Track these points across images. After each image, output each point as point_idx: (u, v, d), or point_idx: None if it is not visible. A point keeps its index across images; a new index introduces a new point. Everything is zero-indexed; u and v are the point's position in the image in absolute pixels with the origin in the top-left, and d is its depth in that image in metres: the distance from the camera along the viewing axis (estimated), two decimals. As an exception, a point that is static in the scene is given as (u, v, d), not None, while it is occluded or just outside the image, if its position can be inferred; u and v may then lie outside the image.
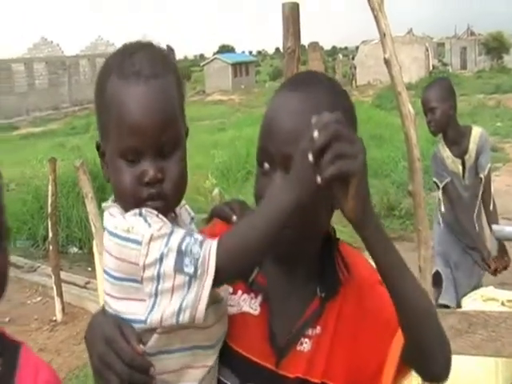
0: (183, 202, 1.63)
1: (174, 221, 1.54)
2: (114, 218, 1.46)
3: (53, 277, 7.49)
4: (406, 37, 48.98)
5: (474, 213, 5.14)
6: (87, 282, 8.32)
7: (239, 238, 1.34)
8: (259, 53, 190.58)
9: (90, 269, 8.97)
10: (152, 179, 1.43)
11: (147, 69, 1.44)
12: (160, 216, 1.42)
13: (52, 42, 50.91)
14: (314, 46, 5.18)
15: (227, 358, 1.55)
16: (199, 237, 1.36)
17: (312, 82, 1.54)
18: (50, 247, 7.64)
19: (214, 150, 15.64)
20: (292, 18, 3.91)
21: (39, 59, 45.76)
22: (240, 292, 1.59)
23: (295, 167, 1.28)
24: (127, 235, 1.38)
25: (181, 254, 1.33)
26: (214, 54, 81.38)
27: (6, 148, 23.14)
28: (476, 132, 5.08)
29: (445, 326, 1.55)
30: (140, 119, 1.42)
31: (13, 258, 9.39)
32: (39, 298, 8.38)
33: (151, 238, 1.35)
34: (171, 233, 1.36)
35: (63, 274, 7.95)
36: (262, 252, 1.37)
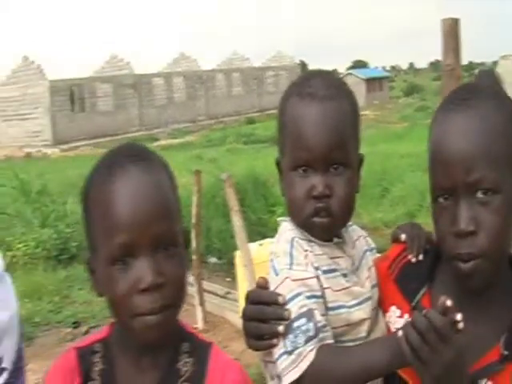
0: (365, 233, 1.74)
1: (339, 246, 1.61)
2: (278, 234, 1.61)
3: (195, 286, 7.66)
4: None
5: None
6: (227, 292, 8.43)
7: (333, 368, 1.41)
8: (393, 68, 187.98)
9: (228, 279, 9.11)
10: (320, 193, 1.52)
11: (322, 91, 1.54)
12: (308, 257, 1.52)
13: (190, 56, 52.45)
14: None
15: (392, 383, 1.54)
16: (311, 329, 1.44)
17: (476, 97, 1.47)
18: (193, 257, 7.82)
19: (349, 165, 15.50)
20: (452, 35, 3.86)
21: (178, 73, 47.23)
22: (407, 316, 1.56)
23: (402, 337, 1.29)
24: (272, 259, 1.55)
25: (289, 327, 1.45)
26: (348, 69, 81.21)
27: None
28: None
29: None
30: (311, 135, 1.52)
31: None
32: (181, 306, 8.58)
33: (282, 282, 1.50)
34: (298, 295, 1.47)
35: (203, 284, 8.12)
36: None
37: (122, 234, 1.31)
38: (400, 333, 1.28)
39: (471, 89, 1.53)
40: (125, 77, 42.59)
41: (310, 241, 1.57)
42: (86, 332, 7.25)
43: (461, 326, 1.26)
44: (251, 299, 1.53)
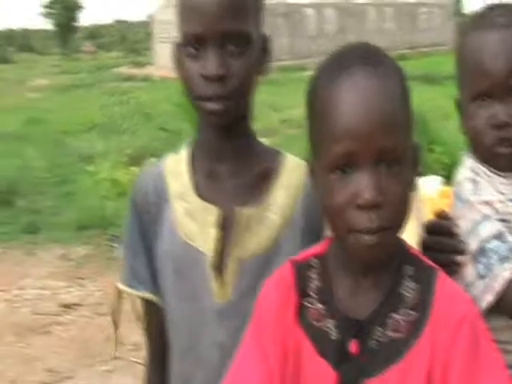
0: None
1: None
2: (461, 167, 1.57)
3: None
4: None
5: None
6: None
7: None
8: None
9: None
10: (501, 122, 1.46)
11: (501, 19, 1.48)
12: (492, 182, 1.47)
13: (343, -11, 51.76)
14: None
15: None
16: (504, 249, 1.38)
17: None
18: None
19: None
20: None
21: (329, 5, 46.76)
22: None
23: None
24: (456, 188, 1.53)
25: (482, 250, 1.40)
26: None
27: (295, 87, 24.11)
28: None
29: None
30: (489, 61, 1.46)
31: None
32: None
33: (470, 207, 1.46)
34: (486, 217, 1.42)
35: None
36: None
37: (345, 142, 1.20)
38: None
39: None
40: (276, 5, 42.61)
41: (493, 172, 1.51)
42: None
43: None
44: (430, 229, 1.49)
